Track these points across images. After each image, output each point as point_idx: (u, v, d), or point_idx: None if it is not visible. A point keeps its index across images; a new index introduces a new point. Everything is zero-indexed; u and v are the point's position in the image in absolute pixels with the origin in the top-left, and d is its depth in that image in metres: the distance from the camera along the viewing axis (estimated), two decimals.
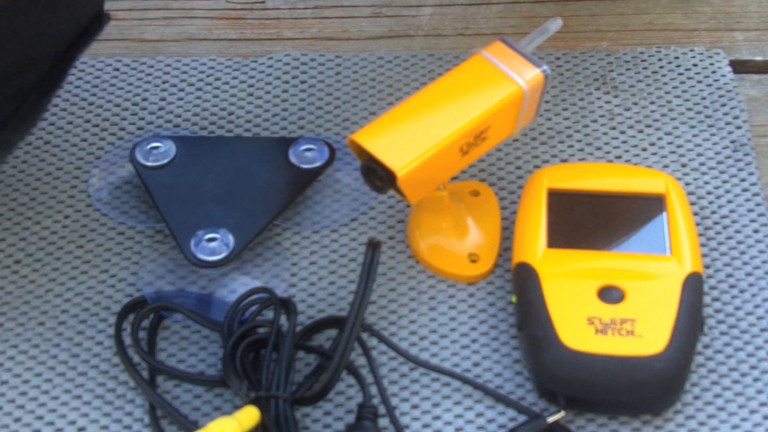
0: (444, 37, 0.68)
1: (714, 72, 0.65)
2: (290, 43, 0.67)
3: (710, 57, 0.65)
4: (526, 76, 0.54)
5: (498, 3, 0.70)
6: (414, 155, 0.51)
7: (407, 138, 0.52)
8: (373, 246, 0.50)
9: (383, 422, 0.50)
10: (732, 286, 0.55)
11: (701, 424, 0.50)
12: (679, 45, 0.67)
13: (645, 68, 0.65)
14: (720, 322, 0.54)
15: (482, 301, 0.55)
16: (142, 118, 0.63)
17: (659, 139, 0.62)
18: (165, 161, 0.59)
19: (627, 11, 0.69)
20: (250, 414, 0.48)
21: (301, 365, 0.52)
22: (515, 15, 0.69)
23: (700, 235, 0.57)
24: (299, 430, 0.48)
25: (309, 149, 0.59)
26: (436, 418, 0.51)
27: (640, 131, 0.62)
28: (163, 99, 0.64)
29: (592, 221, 0.55)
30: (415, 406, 0.51)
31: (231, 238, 0.55)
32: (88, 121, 0.63)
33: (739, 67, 0.66)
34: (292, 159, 0.59)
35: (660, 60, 0.65)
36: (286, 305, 0.51)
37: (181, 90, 0.64)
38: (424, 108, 0.53)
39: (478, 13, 0.69)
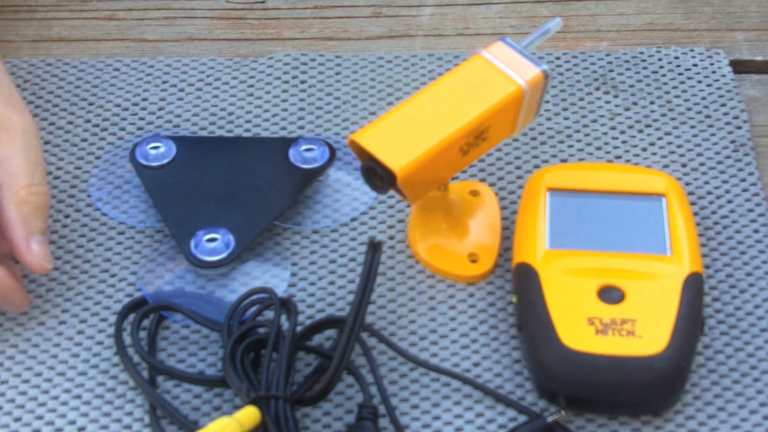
0: (444, 37, 0.68)
1: (714, 72, 0.65)
2: (290, 43, 0.67)
3: (710, 57, 0.65)
4: (527, 75, 0.54)
5: (498, 3, 0.70)
6: (414, 155, 0.51)
7: (407, 138, 0.52)
8: (374, 246, 0.50)
9: (383, 422, 0.50)
10: (732, 286, 0.55)
11: (701, 424, 0.50)
12: (680, 45, 0.67)
13: (645, 68, 0.65)
14: (720, 322, 0.54)
15: (482, 301, 0.55)
16: (142, 118, 0.63)
17: (659, 139, 0.62)
18: (165, 161, 0.59)
19: (627, 11, 0.69)
20: (251, 414, 0.47)
21: (302, 365, 0.52)
22: (515, 15, 0.69)
23: (701, 235, 0.57)
24: (299, 430, 0.48)
25: (309, 149, 0.59)
26: (436, 418, 0.51)
27: (641, 131, 0.62)
28: (163, 99, 0.64)
29: (592, 221, 0.54)
30: (415, 407, 0.51)
31: (231, 239, 0.55)
32: (88, 121, 0.63)
33: (740, 67, 0.65)
34: (292, 159, 0.59)
35: (660, 60, 0.65)
36: (287, 305, 0.51)
37: (181, 90, 0.64)
38: (424, 108, 0.53)
39: (478, 13, 0.69)
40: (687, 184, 0.59)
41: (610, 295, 0.51)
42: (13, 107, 0.53)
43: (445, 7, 0.69)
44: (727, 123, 0.62)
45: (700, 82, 0.64)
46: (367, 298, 0.50)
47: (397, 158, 0.51)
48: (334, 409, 0.51)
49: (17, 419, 0.51)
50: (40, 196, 0.52)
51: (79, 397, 0.51)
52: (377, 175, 0.51)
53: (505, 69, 0.54)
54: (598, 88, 0.64)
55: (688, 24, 0.68)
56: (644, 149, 0.61)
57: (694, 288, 0.51)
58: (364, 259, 0.50)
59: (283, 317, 0.51)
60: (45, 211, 0.53)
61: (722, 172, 0.60)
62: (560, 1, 0.70)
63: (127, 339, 0.53)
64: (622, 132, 0.62)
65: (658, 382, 0.49)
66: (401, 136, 0.52)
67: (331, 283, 0.56)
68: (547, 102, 0.63)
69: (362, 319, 0.50)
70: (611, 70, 0.65)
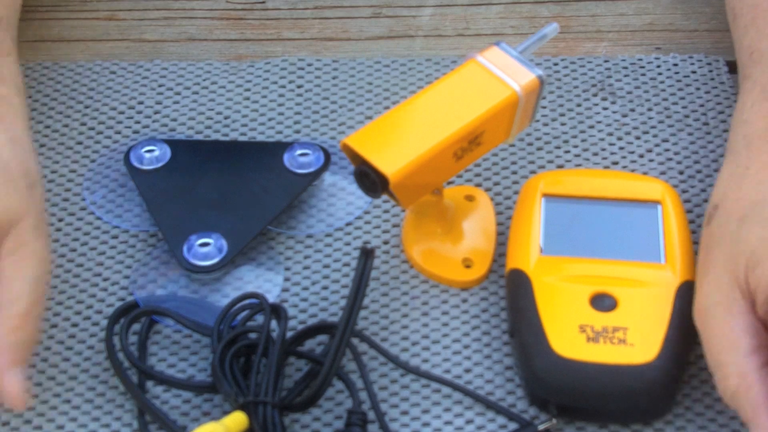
0: (444, 38, 0.68)
1: (713, 79, 0.64)
2: (290, 44, 0.67)
3: (709, 64, 0.65)
4: (521, 80, 0.53)
5: (498, 3, 0.69)
6: (407, 159, 0.51)
7: (400, 142, 0.52)
8: (367, 253, 0.50)
9: (372, 428, 0.50)
10: None
11: None
12: (680, 45, 0.66)
13: (643, 74, 0.64)
14: None
15: (475, 307, 0.55)
16: (137, 122, 0.63)
17: (656, 145, 0.61)
18: (159, 165, 0.59)
19: (627, 12, 0.69)
20: (238, 420, 0.48)
21: (291, 371, 0.52)
22: (515, 15, 0.69)
23: (696, 243, 0.57)
24: None
25: (304, 154, 0.59)
26: (426, 424, 0.51)
27: (638, 138, 0.62)
28: (159, 102, 0.64)
29: (586, 228, 0.54)
30: (404, 413, 0.51)
31: (224, 243, 0.55)
32: (84, 124, 0.63)
33: None
34: (287, 163, 0.59)
35: (659, 67, 0.65)
36: (277, 311, 0.51)
37: (177, 94, 0.64)
38: (418, 112, 0.53)
39: (478, 14, 0.69)
40: (684, 191, 0.59)
41: (603, 302, 0.51)
42: (40, 235, 0.51)
43: (445, 7, 0.69)
44: (725, 131, 0.62)
45: (698, 89, 0.64)
46: (358, 304, 0.50)
47: (389, 162, 0.51)
48: (324, 414, 0.51)
49: (5, 423, 0.51)
50: (32, 333, 0.49)
51: (68, 401, 0.52)
52: (370, 179, 0.51)
53: (500, 74, 0.54)
54: (595, 95, 0.64)
55: (688, 25, 0.68)
56: (641, 156, 0.61)
57: (687, 296, 0.51)
58: (356, 266, 0.50)
59: (274, 322, 0.51)
60: (30, 350, 0.50)
61: None
62: (560, 2, 0.69)
63: (119, 343, 0.53)
64: (620, 138, 0.61)
65: (649, 391, 0.49)
66: (394, 141, 0.52)
67: (325, 288, 0.56)
68: (544, 107, 0.63)
69: (353, 325, 0.50)
70: (609, 76, 0.64)
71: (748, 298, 0.47)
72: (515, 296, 0.52)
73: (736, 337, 0.47)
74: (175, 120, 0.63)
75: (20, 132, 0.53)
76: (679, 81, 0.64)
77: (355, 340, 0.53)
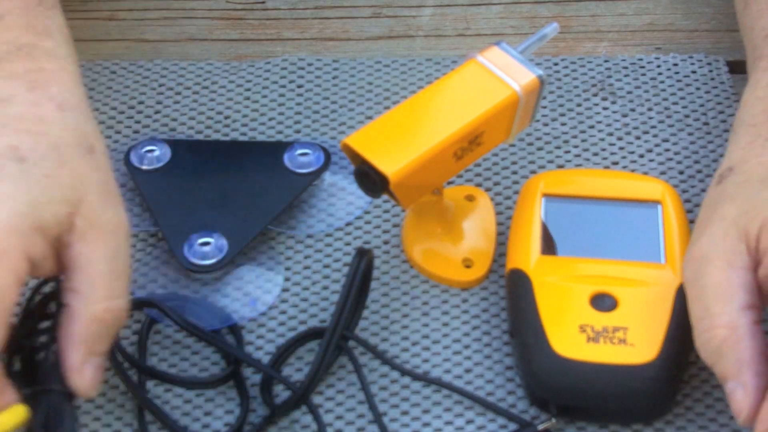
0: (444, 38, 0.68)
1: (713, 79, 0.64)
2: (290, 44, 0.67)
3: (709, 64, 0.65)
4: (522, 80, 0.53)
5: (498, 3, 0.69)
6: (407, 159, 0.51)
7: (401, 142, 0.52)
8: (360, 254, 0.50)
9: (372, 429, 0.50)
10: None
11: None
12: (680, 45, 0.66)
13: (643, 74, 0.65)
14: None
15: (475, 307, 0.55)
16: (138, 122, 0.63)
17: (656, 145, 0.61)
18: (160, 165, 0.59)
19: (628, 12, 0.69)
20: (15, 413, 0.44)
21: (290, 370, 0.52)
22: (515, 15, 0.69)
23: None
24: (77, 425, 0.46)
25: (304, 153, 0.59)
26: (426, 424, 0.51)
27: (638, 138, 0.62)
28: (159, 102, 0.64)
29: (587, 228, 0.54)
30: (405, 413, 0.51)
31: (225, 243, 0.55)
32: None
33: (740, 68, 0.65)
34: (287, 163, 0.59)
35: (659, 66, 0.65)
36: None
37: (178, 93, 0.64)
38: (418, 112, 0.53)
39: (478, 14, 0.69)
40: (684, 191, 0.59)
41: (603, 302, 0.51)
42: (109, 201, 0.47)
43: (445, 7, 0.69)
44: (725, 130, 0.62)
45: (698, 89, 0.64)
46: (349, 308, 0.50)
47: (389, 162, 0.51)
48: None
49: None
50: (115, 314, 0.45)
51: None
52: (370, 179, 0.51)
53: (500, 74, 0.54)
54: (596, 94, 0.64)
55: (688, 25, 0.68)
56: (641, 156, 0.61)
57: None
58: (348, 271, 0.50)
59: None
60: (116, 331, 0.46)
61: None
62: (560, 2, 0.69)
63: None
64: (620, 138, 0.62)
65: (649, 391, 0.49)
66: (394, 140, 0.52)
67: (325, 288, 0.56)
68: (545, 107, 0.63)
69: (340, 332, 0.49)
70: (609, 76, 0.65)
71: (753, 256, 0.47)
72: (515, 296, 0.52)
73: (733, 289, 0.46)
74: (175, 120, 0.63)
75: (69, 92, 0.48)
76: (679, 81, 0.64)
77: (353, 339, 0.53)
